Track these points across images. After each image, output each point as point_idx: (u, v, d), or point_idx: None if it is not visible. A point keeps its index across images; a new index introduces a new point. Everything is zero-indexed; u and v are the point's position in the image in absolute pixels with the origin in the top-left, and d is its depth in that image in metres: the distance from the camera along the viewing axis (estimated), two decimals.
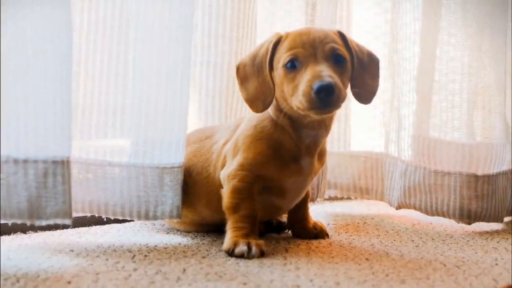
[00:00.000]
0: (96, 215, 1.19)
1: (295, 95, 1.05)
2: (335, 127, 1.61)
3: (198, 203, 1.22)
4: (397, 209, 1.50)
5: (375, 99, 1.60)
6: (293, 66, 1.06)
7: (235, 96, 1.42)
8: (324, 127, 1.15)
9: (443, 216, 1.43)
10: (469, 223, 1.42)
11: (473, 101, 1.46)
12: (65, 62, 1.04)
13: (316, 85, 1.00)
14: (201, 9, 1.39)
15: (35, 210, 1.01)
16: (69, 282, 0.89)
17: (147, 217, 1.18)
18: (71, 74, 1.05)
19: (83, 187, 1.17)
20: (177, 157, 1.18)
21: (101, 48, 1.18)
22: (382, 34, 1.61)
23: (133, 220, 1.31)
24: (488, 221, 1.42)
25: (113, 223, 1.33)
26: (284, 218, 1.33)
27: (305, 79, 1.03)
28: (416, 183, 1.45)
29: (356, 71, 1.12)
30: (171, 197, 1.18)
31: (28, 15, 0.99)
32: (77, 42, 1.17)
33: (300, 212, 1.26)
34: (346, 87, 1.09)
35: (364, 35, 1.64)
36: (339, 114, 1.62)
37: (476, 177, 1.41)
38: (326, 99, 1.01)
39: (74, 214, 1.25)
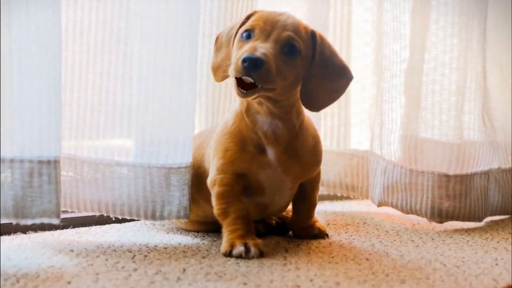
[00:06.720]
0: (105, 215, 1.20)
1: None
2: (329, 125, 1.62)
3: (200, 197, 1.22)
4: (378, 206, 1.51)
5: (364, 96, 1.58)
6: (247, 36, 1.07)
7: (224, 96, 1.42)
8: (277, 117, 1.11)
9: (417, 214, 1.44)
10: (441, 222, 1.42)
11: (454, 101, 1.45)
12: (54, 62, 1.03)
13: (245, 55, 1.01)
14: None
15: (20, 209, 1.00)
16: (69, 282, 0.89)
17: (154, 217, 1.18)
18: (60, 75, 1.04)
19: (92, 187, 1.17)
20: (184, 157, 1.18)
21: (108, 47, 1.18)
22: (375, 35, 1.60)
23: (133, 220, 1.31)
24: (462, 220, 1.43)
25: (113, 223, 1.33)
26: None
27: (244, 49, 1.04)
28: (394, 181, 1.46)
29: (314, 74, 1.10)
30: (178, 197, 1.18)
31: (15, 14, 0.99)
32: (85, 42, 1.18)
33: (300, 216, 1.25)
34: (285, 79, 1.06)
35: (364, 36, 1.64)
36: (333, 112, 1.62)
37: (447, 176, 1.41)
38: (249, 70, 1.00)
39: (83, 214, 1.26)
